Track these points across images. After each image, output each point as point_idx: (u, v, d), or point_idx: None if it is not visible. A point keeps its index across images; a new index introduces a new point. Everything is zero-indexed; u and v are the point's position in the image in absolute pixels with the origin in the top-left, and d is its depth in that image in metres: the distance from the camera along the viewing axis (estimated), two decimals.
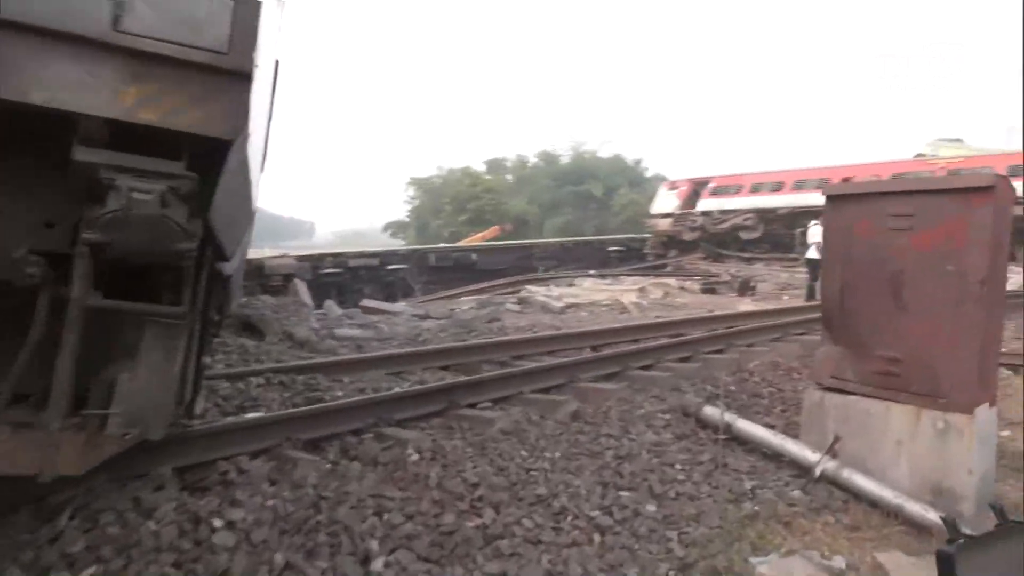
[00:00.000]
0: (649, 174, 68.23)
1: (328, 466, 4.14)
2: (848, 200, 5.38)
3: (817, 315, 11.42)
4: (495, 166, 68.93)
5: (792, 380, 7.39)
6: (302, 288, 11.93)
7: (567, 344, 8.11)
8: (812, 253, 13.04)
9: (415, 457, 4.35)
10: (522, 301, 15.89)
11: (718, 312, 11.81)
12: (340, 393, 5.68)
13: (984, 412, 4.65)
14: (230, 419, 4.59)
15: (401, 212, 67.50)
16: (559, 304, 15.06)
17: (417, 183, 63.60)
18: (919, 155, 32.26)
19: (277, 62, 6.62)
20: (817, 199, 23.74)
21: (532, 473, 4.37)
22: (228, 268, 4.26)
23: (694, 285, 19.92)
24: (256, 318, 9.60)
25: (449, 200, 53.85)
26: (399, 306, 13.38)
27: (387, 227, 69.42)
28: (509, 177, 68.33)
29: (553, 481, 4.27)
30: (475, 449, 4.65)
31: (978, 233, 4.66)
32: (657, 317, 13.42)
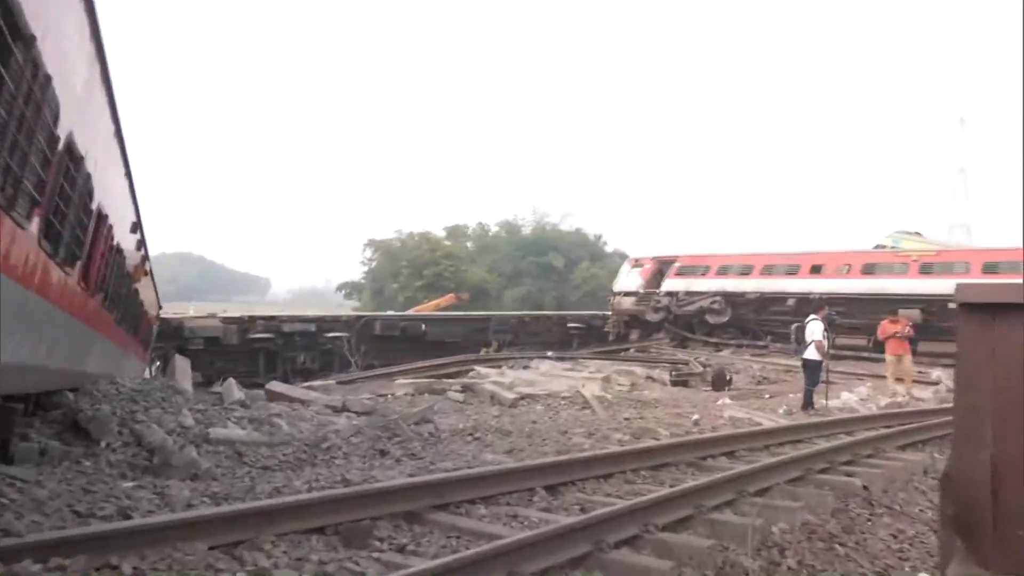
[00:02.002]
0: (609, 249, 67.33)
1: None
2: (1007, 313, 3.05)
3: (833, 439, 9.03)
4: (456, 232, 67.19)
5: (840, 561, 4.95)
6: (182, 366, 9.17)
7: (514, 483, 5.56)
8: (811, 353, 10.87)
9: None
10: (467, 388, 13.32)
11: (707, 430, 9.37)
12: None
13: None
14: None
15: (357, 273, 64.71)
16: (510, 395, 12.54)
17: (375, 245, 61.14)
18: (879, 246, 31.23)
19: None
20: (788, 285, 21.59)
21: None
22: None
23: (663, 374, 17.61)
24: (88, 416, 6.84)
25: (407, 264, 51.41)
26: (313, 393, 10.70)
27: (341, 287, 66.41)
28: (469, 244, 66.56)
29: None
30: None
31: None
32: (626, 421, 10.98)
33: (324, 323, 24.42)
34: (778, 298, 26.04)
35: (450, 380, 15.81)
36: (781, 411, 12.75)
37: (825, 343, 10.79)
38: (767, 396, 15.23)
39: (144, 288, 12.69)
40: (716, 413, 12.04)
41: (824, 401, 11.39)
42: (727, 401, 14.28)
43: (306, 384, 15.36)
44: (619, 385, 15.53)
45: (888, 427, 9.71)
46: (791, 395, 15.66)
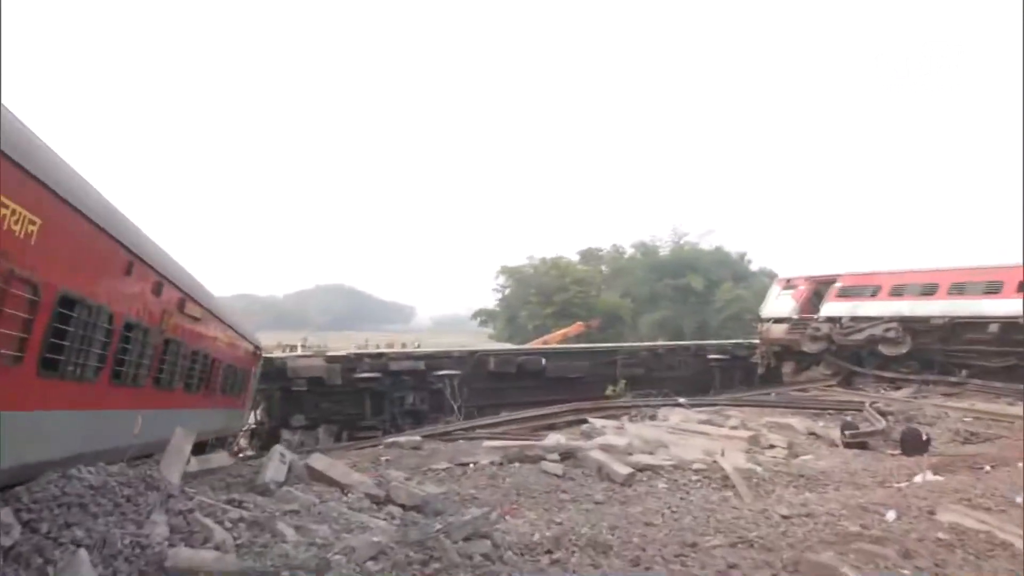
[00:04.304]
0: (754, 268, 61.52)
1: None
2: None
3: None
4: (589, 256, 64.25)
5: None
6: (177, 445, 6.88)
7: None
8: None
9: None
10: (569, 456, 10.29)
11: (921, 554, 5.67)
12: None
13: None
14: None
15: (491, 300, 63.35)
16: (623, 470, 9.37)
17: (507, 272, 59.51)
18: None
19: None
20: (987, 307, 16.13)
21: None
22: None
23: (830, 429, 13.58)
24: None
25: (535, 291, 49.06)
26: (355, 475, 8.13)
27: (476, 315, 65.32)
28: (604, 268, 63.34)
29: None
30: None
31: None
32: (785, 521, 7.44)
33: (434, 360, 22.27)
34: (974, 323, 20.70)
35: (555, 435, 12.87)
36: (1020, 500, 8.60)
37: None
38: (986, 469, 10.88)
39: (199, 334, 10.94)
40: (920, 505, 8.17)
41: None
42: (930, 477, 10.20)
43: (390, 440, 13.05)
44: (771, 446, 11.83)
45: None
46: (1020, 464, 11.19)
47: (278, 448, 9.45)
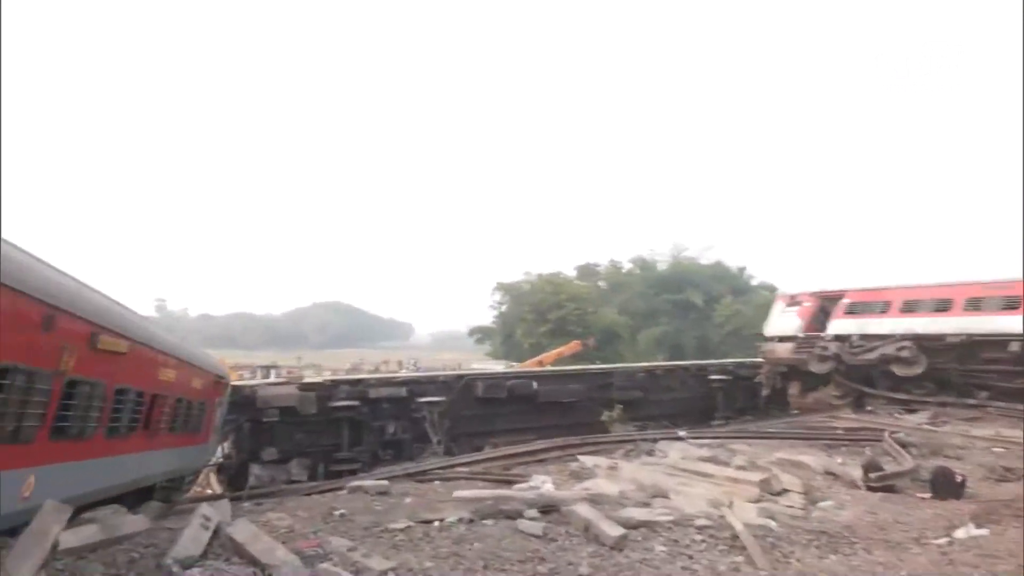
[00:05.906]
0: (755, 282, 60.09)
1: None
2: None
3: None
4: (587, 272, 62.82)
5: None
6: (37, 531, 5.27)
7: None
8: None
9: None
10: (551, 510, 8.74)
11: None
12: None
13: None
14: None
15: (488, 317, 61.83)
16: (613, 531, 7.81)
17: (504, 288, 58.03)
18: None
19: None
20: (1008, 323, 14.30)
21: None
22: None
23: (848, 467, 12.02)
24: None
25: (530, 308, 47.50)
26: (280, 551, 6.55)
27: (472, 332, 63.79)
28: (602, 284, 61.87)
29: None
30: None
31: None
32: None
33: (418, 386, 20.70)
34: (994, 341, 19.17)
35: (540, 476, 11.34)
36: None
37: None
38: None
39: (126, 370, 9.43)
40: None
41: None
42: (973, 531, 8.64)
43: (354, 484, 11.47)
44: (786, 491, 10.26)
45: None
46: None
47: (202, 508, 7.90)
